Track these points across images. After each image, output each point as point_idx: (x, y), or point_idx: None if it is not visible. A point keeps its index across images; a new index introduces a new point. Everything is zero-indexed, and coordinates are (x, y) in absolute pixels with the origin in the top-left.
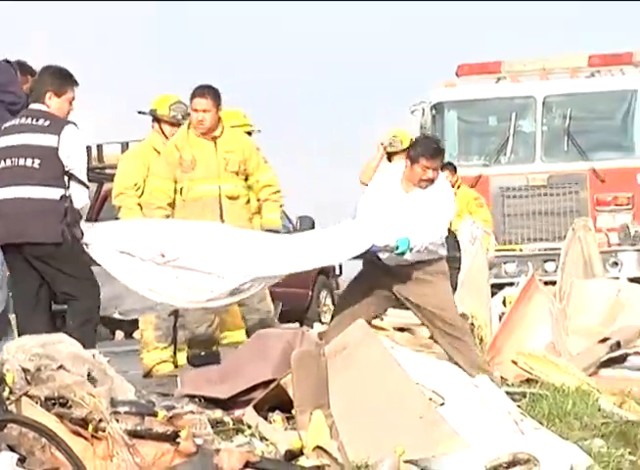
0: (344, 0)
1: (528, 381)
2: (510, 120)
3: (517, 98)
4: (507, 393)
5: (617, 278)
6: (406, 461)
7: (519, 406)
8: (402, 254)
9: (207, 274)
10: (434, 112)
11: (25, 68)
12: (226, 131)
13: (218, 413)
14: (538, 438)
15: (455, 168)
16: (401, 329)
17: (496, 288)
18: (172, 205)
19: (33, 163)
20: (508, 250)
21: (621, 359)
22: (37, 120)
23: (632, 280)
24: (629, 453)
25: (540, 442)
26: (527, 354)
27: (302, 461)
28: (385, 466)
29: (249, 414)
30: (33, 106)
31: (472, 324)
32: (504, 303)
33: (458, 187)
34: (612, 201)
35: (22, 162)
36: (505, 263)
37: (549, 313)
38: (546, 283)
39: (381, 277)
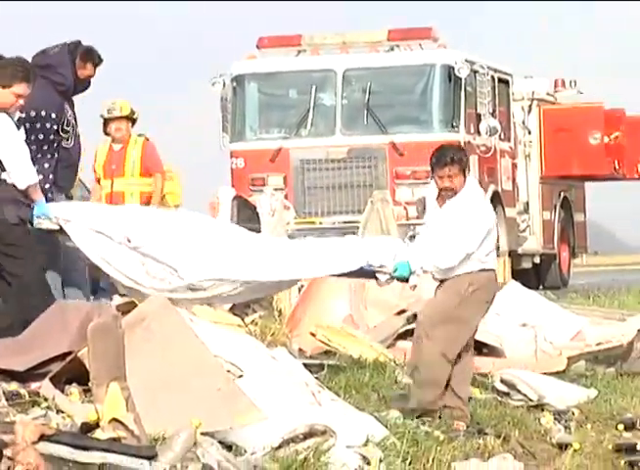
0: None
1: (327, 353)
2: (310, 94)
3: (317, 71)
4: (305, 364)
5: None
6: (203, 433)
7: (317, 378)
8: (403, 278)
9: (166, 266)
10: (234, 84)
11: (89, 55)
12: None
13: (14, 386)
14: (335, 409)
15: None
16: None
17: None
18: None
19: None
20: (308, 223)
21: None
22: None
23: None
24: (424, 424)
25: (337, 413)
26: (326, 327)
27: (98, 434)
28: (181, 438)
29: (45, 387)
30: None
31: (271, 296)
32: None
33: None
34: (410, 174)
35: None
36: (305, 236)
37: (347, 286)
38: None
39: None
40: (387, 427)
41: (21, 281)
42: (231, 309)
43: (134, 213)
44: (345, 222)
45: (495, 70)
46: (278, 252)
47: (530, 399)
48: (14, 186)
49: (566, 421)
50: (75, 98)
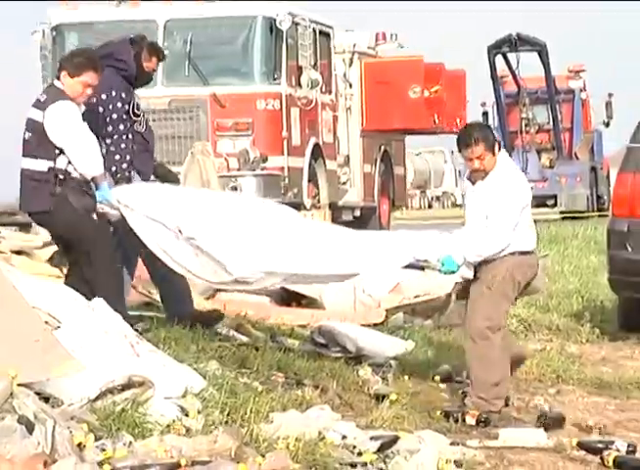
0: None
1: (147, 305)
2: None
3: (138, 22)
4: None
5: None
6: (20, 385)
7: (136, 330)
8: (451, 272)
9: (215, 261)
10: (54, 34)
11: (154, 49)
12: None
13: None
14: (154, 361)
15: None
16: (19, 252)
17: None
18: None
19: (26, 135)
20: None
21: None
22: (42, 95)
23: None
24: (242, 376)
25: (155, 364)
26: (146, 279)
27: None
28: None
29: None
30: (54, 81)
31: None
32: None
33: None
34: (232, 126)
35: (25, 134)
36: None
37: None
38: None
39: None
40: (205, 378)
41: (90, 273)
42: (49, 260)
43: (186, 200)
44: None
45: (317, 23)
46: (326, 245)
47: (349, 351)
48: (79, 177)
49: (383, 373)
50: None
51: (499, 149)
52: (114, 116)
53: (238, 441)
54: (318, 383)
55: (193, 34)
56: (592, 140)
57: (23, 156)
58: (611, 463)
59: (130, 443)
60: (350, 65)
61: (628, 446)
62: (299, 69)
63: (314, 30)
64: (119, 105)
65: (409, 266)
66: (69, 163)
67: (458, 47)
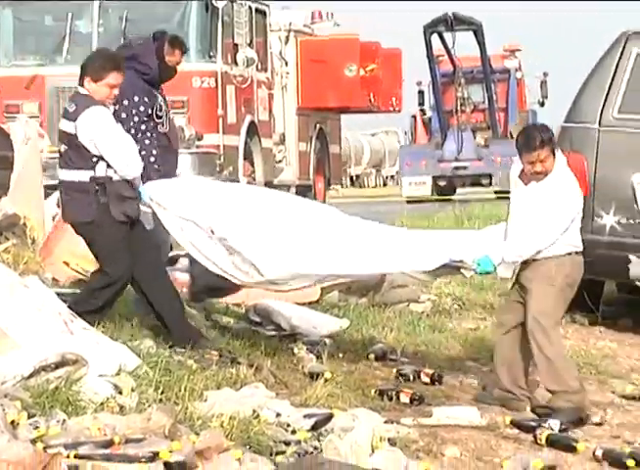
0: None
1: (80, 282)
2: (66, 21)
3: None
4: (58, 294)
5: None
6: None
7: (69, 307)
8: (487, 273)
9: (248, 261)
10: None
11: (176, 41)
12: None
13: None
14: (87, 338)
15: None
16: None
17: (50, 189)
18: None
19: (62, 148)
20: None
21: (174, 261)
22: (70, 105)
23: None
24: (177, 354)
25: (89, 342)
26: (80, 256)
27: None
28: None
29: None
30: (78, 88)
31: (24, 224)
32: (58, 204)
33: None
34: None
35: (60, 147)
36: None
37: None
38: None
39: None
40: (139, 356)
41: (108, 279)
42: None
43: (218, 198)
44: None
45: (253, 1)
46: (360, 245)
47: (284, 329)
48: (120, 181)
49: (318, 351)
50: None
51: (557, 149)
52: (136, 119)
53: (172, 418)
54: (253, 361)
55: (128, 12)
56: (527, 119)
57: (61, 167)
58: (544, 441)
59: (64, 420)
60: (286, 43)
61: (561, 423)
62: (235, 46)
63: (250, 8)
64: (142, 109)
65: (444, 266)
66: (109, 167)
67: (394, 26)
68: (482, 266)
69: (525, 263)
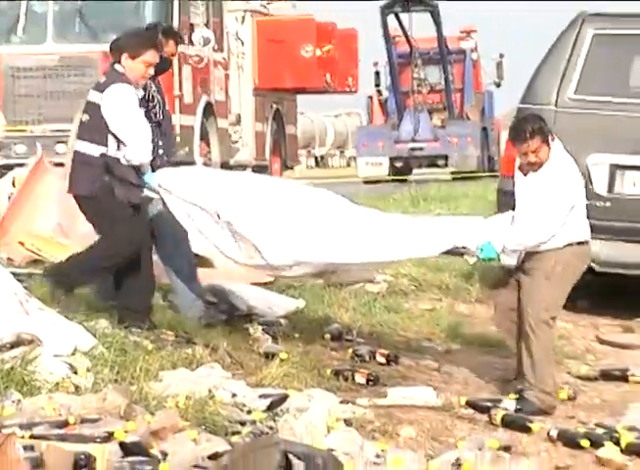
0: None
1: (36, 262)
2: (21, 0)
3: None
4: (13, 274)
5: None
6: None
7: (25, 288)
8: (491, 259)
9: (252, 246)
10: None
11: (170, 32)
12: None
13: None
14: (43, 318)
15: None
16: None
17: (5, 169)
18: None
19: (84, 117)
20: (18, 131)
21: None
22: (101, 78)
23: None
24: (132, 334)
25: (45, 322)
26: (35, 236)
27: None
28: None
29: None
30: (115, 66)
31: None
32: (13, 183)
33: None
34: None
35: (82, 116)
36: (15, 144)
37: (57, 195)
38: (57, 164)
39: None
40: (95, 336)
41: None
42: None
43: (225, 185)
44: (56, 131)
45: None
46: (364, 232)
47: (239, 310)
48: (126, 165)
49: (274, 331)
50: None
51: (552, 139)
52: None
53: (127, 399)
54: (208, 341)
55: None
56: (483, 101)
57: (78, 138)
58: (499, 421)
59: (19, 401)
60: (243, 23)
61: (516, 403)
62: (191, 26)
63: None
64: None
65: (448, 252)
66: (118, 149)
67: (351, 6)
68: (485, 253)
69: (528, 255)
